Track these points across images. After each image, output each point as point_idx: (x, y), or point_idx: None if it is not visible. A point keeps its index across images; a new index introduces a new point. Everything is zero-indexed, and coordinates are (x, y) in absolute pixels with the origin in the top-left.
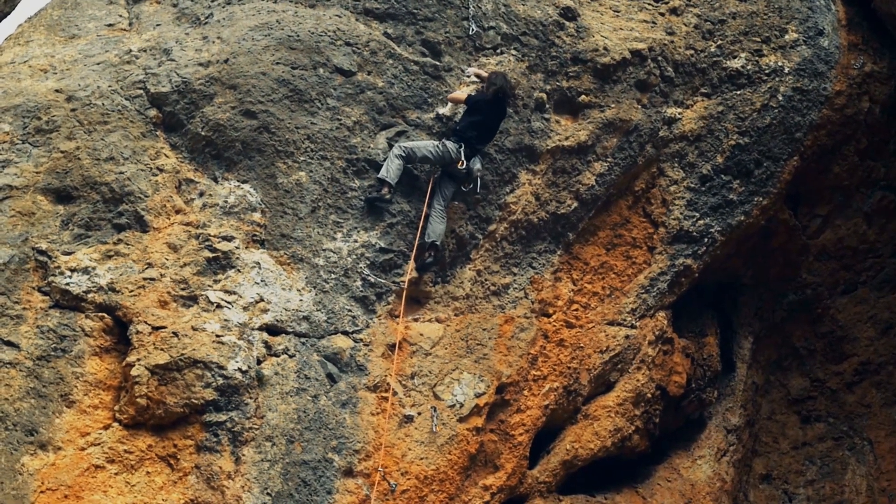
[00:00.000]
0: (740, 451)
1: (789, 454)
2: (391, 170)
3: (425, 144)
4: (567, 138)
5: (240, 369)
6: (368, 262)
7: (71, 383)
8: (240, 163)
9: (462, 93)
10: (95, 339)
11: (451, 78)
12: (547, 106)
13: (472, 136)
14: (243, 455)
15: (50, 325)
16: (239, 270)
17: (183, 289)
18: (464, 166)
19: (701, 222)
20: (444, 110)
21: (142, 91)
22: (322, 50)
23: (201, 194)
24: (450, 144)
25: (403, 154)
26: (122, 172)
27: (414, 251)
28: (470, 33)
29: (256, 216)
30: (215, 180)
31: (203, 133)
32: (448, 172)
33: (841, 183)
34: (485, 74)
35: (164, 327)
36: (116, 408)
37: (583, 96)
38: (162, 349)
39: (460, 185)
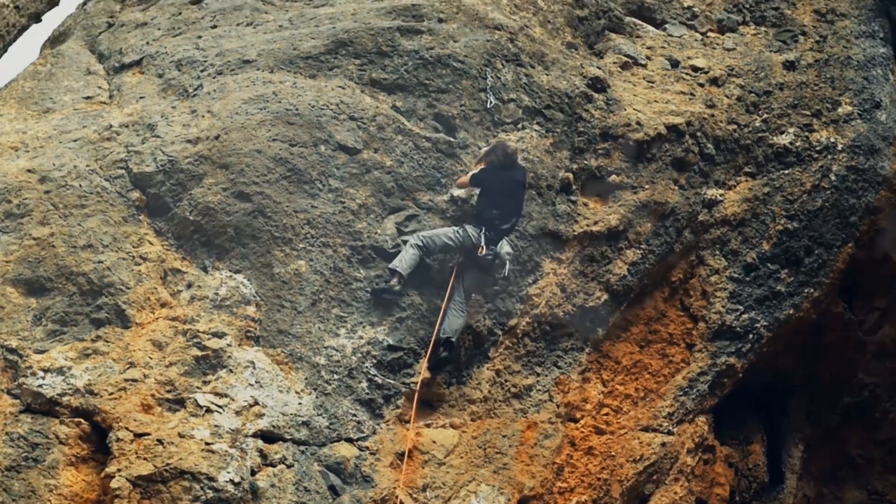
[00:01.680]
0: None
1: None
2: (405, 260)
3: (444, 231)
4: (596, 223)
5: (231, 481)
6: (375, 361)
7: (44, 497)
8: (232, 250)
9: (466, 175)
10: (71, 447)
11: (467, 156)
12: (573, 187)
13: (493, 217)
14: None
15: (20, 432)
16: (231, 370)
17: (168, 391)
18: (484, 252)
19: (745, 316)
20: (460, 192)
21: (123, 171)
22: (324, 125)
23: (189, 286)
24: (470, 229)
25: (421, 244)
26: (101, 261)
27: (429, 349)
28: (488, 106)
29: (250, 310)
30: (205, 270)
31: (191, 217)
32: (472, 260)
33: None
34: (486, 148)
35: (148, 434)
36: None
37: (613, 176)
38: (145, 458)
39: (486, 274)
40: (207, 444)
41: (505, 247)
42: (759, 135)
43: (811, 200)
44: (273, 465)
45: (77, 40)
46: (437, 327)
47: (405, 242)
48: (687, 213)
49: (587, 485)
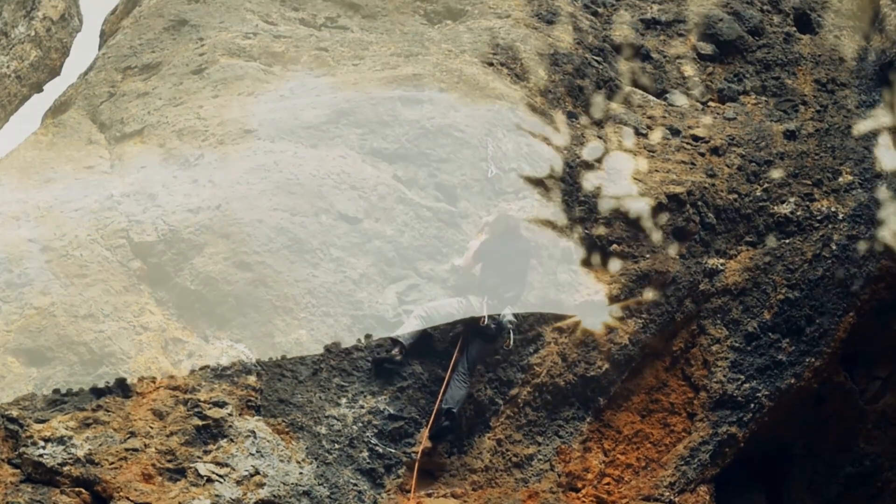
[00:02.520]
0: None
1: None
2: (407, 330)
3: (449, 302)
4: (597, 292)
5: None
6: (376, 431)
7: None
8: (233, 320)
9: (469, 252)
10: None
11: (468, 225)
12: (574, 256)
13: (496, 286)
14: None
15: (21, 502)
16: (232, 440)
17: (169, 461)
18: (486, 322)
19: (746, 386)
20: (461, 261)
21: (124, 240)
22: (325, 194)
23: (190, 355)
24: (473, 299)
25: (424, 315)
26: (102, 331)
27: (431, 418)
28: (489, 176)
29: (251, 379)
30: (206, 339)
31: (192, 287)
32: (475, 330)
33: None
34: (489, 219)
35: None
36: None
37: (614, 245)
38: None
39: (490, 344)
40: None
41: (508, 315)
42: (760, 204)
43: (812, 270)
44: None
45: (78, 110)
46: (440, 397)
47: (408, 313)
48: (688, 282)
49: None
